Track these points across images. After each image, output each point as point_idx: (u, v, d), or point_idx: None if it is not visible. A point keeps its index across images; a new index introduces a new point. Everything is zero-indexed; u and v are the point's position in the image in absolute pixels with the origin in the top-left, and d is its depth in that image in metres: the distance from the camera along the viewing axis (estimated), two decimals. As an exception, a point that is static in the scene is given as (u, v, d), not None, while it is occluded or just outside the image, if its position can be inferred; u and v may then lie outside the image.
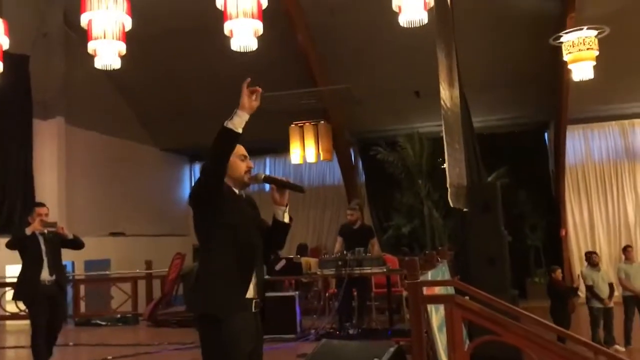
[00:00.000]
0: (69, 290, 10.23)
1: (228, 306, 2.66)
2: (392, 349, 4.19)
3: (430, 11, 6.51)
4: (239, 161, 2.81)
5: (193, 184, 2.69)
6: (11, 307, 9.47)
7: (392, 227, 12.46)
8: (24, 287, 5.78)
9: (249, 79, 2.70)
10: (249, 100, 2.65)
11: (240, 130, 2.61)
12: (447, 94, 6.73)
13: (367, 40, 11.70)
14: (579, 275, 8.98)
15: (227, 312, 2.64)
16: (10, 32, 7.15)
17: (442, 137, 6.28)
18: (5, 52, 7.23)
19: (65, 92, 12.69)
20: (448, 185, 6.21)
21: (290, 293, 7.50)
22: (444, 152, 6.18)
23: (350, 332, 6.90)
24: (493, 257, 6.30)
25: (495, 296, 4.45)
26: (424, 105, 12.40)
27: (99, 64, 6.46)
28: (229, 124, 2.60)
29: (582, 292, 9.39)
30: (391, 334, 6.31)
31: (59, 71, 12.57)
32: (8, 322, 9.71)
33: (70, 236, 5.89)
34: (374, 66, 12.29)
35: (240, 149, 2.81)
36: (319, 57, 12.19)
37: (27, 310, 6.19)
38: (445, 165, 6.40)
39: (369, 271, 7.02)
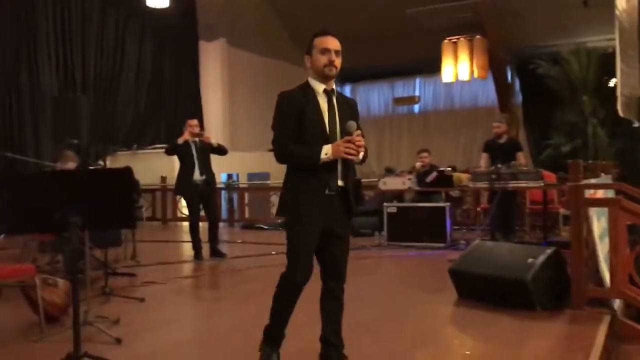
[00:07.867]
0: (235, 197, 11.35)
1: None
2: (549, 251, 4.15)
3: None
4: (320, 55, 2.85)
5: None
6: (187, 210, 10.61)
7: (551, 147, 11.71)
8: (181, 185, 6.99)
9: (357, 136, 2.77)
10: (340, 151, 2.78)
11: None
12: (623, -5, 6.14)
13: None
14: None
15: None
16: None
17: (612, 53, 5.80)
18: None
19: (227, 14, 13.39)
20: (619, 94, 5.81)
21: (441, 204, 7.56)
22: (614, 67, 5.72)
23: (502, 244, 6.85)
24: (666, 173, 5.84)
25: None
26: (592, 16, 11.34)
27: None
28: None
29: None
30: (546, 245, 6.17)
31: (221, -7, 13.25)
32: (184, 223, 10.94)
33: (215, 144, 6.87)
34: (538, -26, 11.39)
35: (322, 42, 2.84)
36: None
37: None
38: (617, 73, 5.96)
39: (524, 185, 6.78)
